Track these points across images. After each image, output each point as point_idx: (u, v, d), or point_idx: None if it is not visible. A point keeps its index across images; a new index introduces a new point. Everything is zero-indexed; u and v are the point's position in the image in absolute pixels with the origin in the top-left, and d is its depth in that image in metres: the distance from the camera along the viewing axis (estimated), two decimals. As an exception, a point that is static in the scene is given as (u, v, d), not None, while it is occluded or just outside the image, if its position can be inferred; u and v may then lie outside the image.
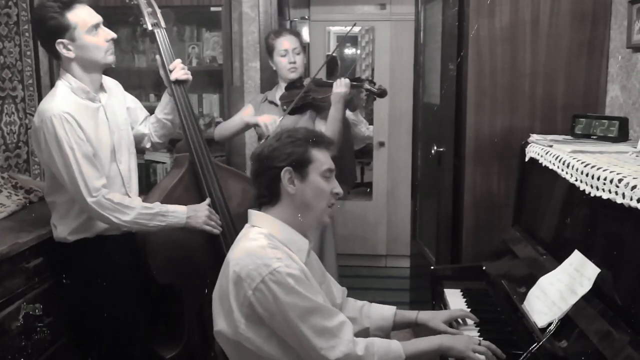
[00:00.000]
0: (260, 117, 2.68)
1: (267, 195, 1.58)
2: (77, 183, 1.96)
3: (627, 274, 1.35)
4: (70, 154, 1.95)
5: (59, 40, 2.00)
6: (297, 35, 2.85)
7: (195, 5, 3.27)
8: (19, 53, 2.86)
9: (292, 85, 2.75)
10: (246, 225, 1.63)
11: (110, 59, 2.08)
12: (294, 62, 2.76)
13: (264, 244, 1.50)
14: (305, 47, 2.88)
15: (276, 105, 2.79)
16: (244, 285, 1.45)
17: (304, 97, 2.66)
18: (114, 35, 2.09)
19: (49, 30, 2.00)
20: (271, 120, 2.59)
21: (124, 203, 2.03)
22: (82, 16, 2.00)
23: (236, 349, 1.52)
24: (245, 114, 2.84)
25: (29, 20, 2.90)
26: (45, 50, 2.10)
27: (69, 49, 2.01)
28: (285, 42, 2.76)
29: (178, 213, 2.11)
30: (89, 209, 2.01)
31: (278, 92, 2.83)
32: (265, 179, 1.58)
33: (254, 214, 1.61)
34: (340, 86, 2.56)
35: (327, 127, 2.61)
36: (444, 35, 2.59)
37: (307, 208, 1.57)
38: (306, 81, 2.71)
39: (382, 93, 2.58)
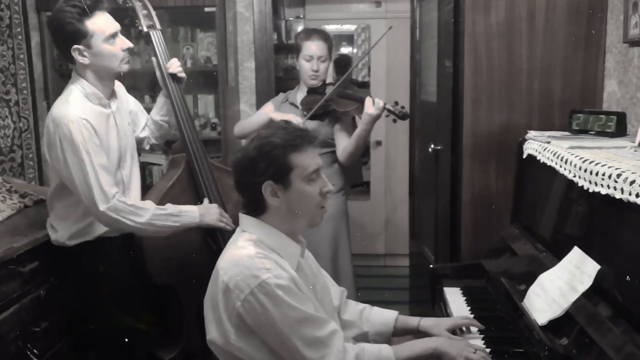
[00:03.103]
0: (287, 115, 2.59)
1: (252, 206, 1.55)
2: (91, 190, 1.93)
3: (627, 270, 1.34)
4: (87, 160, 1.93)
5: (75, 46, 1.98)
6: (327, 40, 2.72)
7: (189, 6, 3.25)
8: (12, 56, 2.85)
9: (314, 90, 2.69)
10: (237, 229, 1.60)
11: (125, 67, 2.07)
12: (317, 71, 2.67)
13: (252, 254, 1.46)
14: (332, 52, 2.77)
15: (297, 107, 2.74)
16: (232, 296, 1.43)
17: (325, 106, 2.61)
18: (130, 44, 2.07)
19: (66, 36, 1.98)
20: (295, 122, 2.51)
21: (137, 205, 2.02)
22: (100, 24, 1.99)
23: (229, 358, 1.50)
24: (266, 111, 2.77)
25: (21, 23, 2.89)
26: (60, 54, 2.08)
27: (84, 56, 1.99)
28: (314, 47, 2.67)
29: (191, 212, 2.10)
30: (102, 216, 1.97)
31: (299, 94, 2.77)
32: (248, 192, 1.53)
33: (244, 219, 1.58)
34: (374, 109, 2.45)
35: (350, 143, 2.58)
36: (439, 32, 2.58)
37: (295, 215, 1.53)
38: (328, 89, 2.64)
39: (404, 116, 2.51)
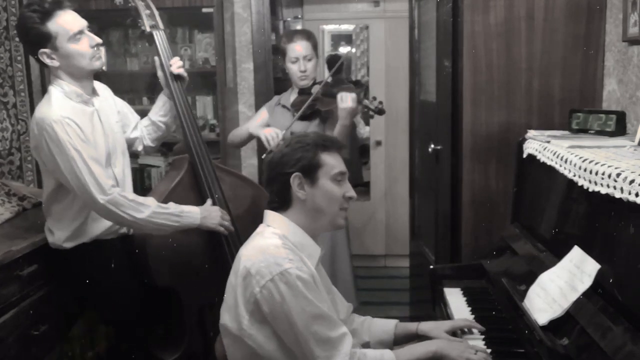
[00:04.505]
0: (264, 129, 2.60)
1: (278, 200, 1.60)
2: (87, 185, 1.92)
3: (627, 269, 1.33)
4: (77, 156, 1.92)
5: (41, 50, 1.96)
6: (310, 39, 2.73)
7: (187, 7, 3.25)
8: (9, 58, 2.85)
9: (304, 91, 2.69)
10: (261, 225, 1.63)
11: (97, 64, 2.04)
12: (305, 71, 2.68)
13: (278, 244, 1.51)
14: (317, 50, 2.78)
15: (289, 109, 2.73)
16: (252, 282, 1.46)
17: (311, 106, 2.61)
18: (98, 40, 2.04)
19: (31, 41, 1.97)
20: (273, 133, 2.51)
21: (138, 200, 2.00)
22: (63, 24, 1.95)
23: (237, 344, 1.53)
24: (260, 119, 2.78)
25: (19, 25, 2.87)
26: (34, 59, 2.06)
27: (52, 58, 1.98)
28: (297, 48, 2.67)
29: (192, 213, 2.09)
30: (101, 209, 1.96)
31: (292, 96, 2.77)
32: (276, 184, 1.60)
33: (268, 214, 1.62)
34: (346, 102, 2.46)
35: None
36: (438, 32, 2.57)
37: (319, 213, 1.58)
38: (314, 89, 2.64)
39: (380, 111, 2.49)
